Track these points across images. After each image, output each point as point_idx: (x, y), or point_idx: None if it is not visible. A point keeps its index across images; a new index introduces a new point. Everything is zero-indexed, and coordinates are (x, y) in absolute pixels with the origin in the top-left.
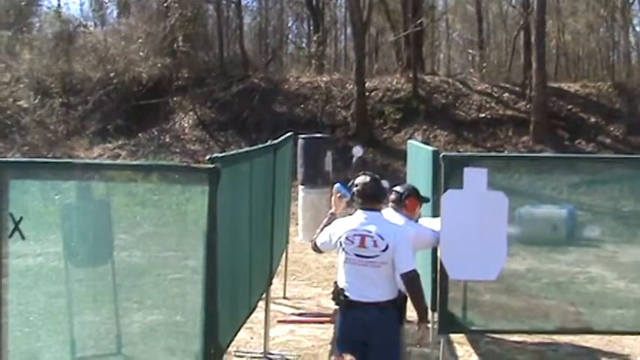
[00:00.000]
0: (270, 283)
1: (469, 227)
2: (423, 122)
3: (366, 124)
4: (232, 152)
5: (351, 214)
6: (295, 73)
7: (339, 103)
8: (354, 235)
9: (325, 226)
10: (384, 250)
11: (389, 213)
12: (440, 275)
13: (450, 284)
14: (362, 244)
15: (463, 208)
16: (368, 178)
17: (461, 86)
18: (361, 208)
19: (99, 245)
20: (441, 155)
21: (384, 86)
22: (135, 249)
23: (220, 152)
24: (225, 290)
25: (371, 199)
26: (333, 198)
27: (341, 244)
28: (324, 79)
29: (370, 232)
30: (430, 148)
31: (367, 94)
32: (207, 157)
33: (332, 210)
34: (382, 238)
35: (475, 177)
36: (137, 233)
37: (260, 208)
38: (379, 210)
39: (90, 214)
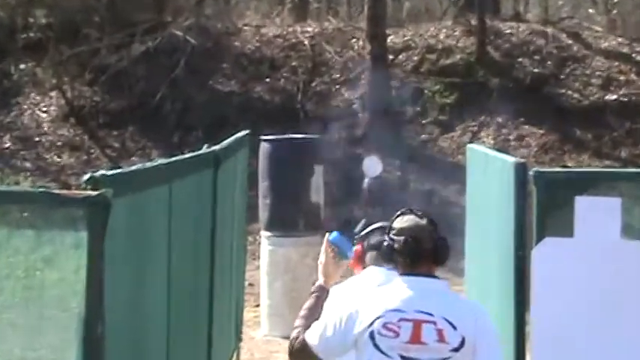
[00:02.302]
0: None
1: (585, 307)
2: (497, 111)
3: (387, 114)
4: (134, 167)
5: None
6: (255, 20)
7: (337, 76)
8: (400, 320)
9: (313, 308)
10: (457, 349)
11: (374, 275)
12: None
13: None
14: (415, 338)
15: (574, 272)
16: (424, 222)
17: (570, 42)
18: (407, 274)
19: None
20: (531, 172)
21: (422, 43)
22: None
23: (111, 168)
24: None
25: (426, 259)
26: (322, 258)
27: (372, 338)
28: (309, 29)
29: (431, 315)
30: (510, 159)
31: (391, 57)
32: (86, 177)
33: (320, 281)
34: (454, 327)
35: (597, 213)
36: None
37: (186, 275)
38: (435, 275)
39: None
